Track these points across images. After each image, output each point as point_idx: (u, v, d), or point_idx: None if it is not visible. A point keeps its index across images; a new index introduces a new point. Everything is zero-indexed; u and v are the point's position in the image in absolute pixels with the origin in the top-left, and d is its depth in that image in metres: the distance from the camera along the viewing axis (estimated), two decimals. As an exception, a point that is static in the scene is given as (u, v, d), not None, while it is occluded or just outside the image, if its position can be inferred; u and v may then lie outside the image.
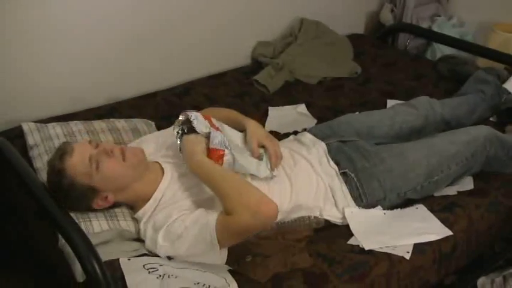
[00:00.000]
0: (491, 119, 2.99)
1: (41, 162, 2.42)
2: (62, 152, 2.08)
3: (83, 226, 2.02)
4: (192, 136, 2.16)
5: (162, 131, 2.57)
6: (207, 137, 2.17)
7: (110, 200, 2.13)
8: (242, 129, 2.42)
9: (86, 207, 2.13)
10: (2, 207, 2.61)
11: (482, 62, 3.67)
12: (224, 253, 2.03)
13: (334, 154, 2.44)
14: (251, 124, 2.42)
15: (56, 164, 2.07)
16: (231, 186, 2.03)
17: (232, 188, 2.02)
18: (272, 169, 2.31)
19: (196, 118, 2.20)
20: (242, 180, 2.11)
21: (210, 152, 2.14)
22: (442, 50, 3.97)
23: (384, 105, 3.10)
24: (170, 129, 2.31)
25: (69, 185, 2.05)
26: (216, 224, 1.97)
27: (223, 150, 2.16)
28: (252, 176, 2.27)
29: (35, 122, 2.66)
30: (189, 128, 2.19)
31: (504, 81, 3.04)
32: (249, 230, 2.00)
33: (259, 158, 2.33)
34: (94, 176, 2.06)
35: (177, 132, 2.21)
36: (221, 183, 2.05)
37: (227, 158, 2.16)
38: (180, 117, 2.23)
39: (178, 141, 2.19)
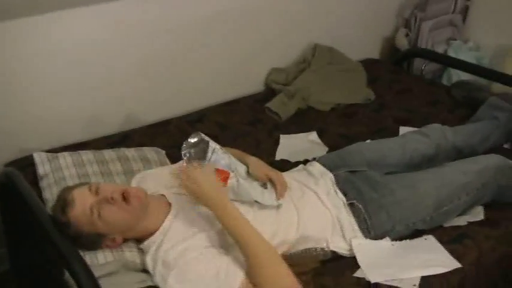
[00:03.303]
0: (505, 145, 2.97)
1: (49, 193, 2.44)
2: (63, 204, 2.08)
3: (87, 258, 2.03)
4: (203, 171, 2.10)
5: (169, 166, 2.62)
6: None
7: (117, 241, 2.14)
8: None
9: (96, 249, 2.14)
10: (14, 236, 2.64)
11: (497, 87, 3.64)
12: None
13: (342, 185, 2.43)
14: (253, 159, 2.45)
15: (59, 217, 2.08)
16: (266, 256, 1.98)
17: (267, 260, 1.97)
18: (278, 198, 2.31)
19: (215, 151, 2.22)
20: (275, 251, 2.03)
21: (216, 173, 2.15)
22: (458, 74, 3.95)
23: (398, 132, 3.09)
24: (177, 164, 2.33)
25: (76, 234, 2.06)
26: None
27: (229, 173, 2.17)
28: (259, 205, 2.27)
29: (48, 150, 2.68)
30: (196, 152, 2.20)
31: (519, 108, 3.00)
32: None
33: (265, 186, 2.34)
34: (97, 223, 2.06)
35: (184, 155, 2.22)
36: (256, 248, 1.99)
37: (232, 181, 2.18)
38: (190, 140, 2.24)
39: (185, 164, 2.18)
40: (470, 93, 3.40)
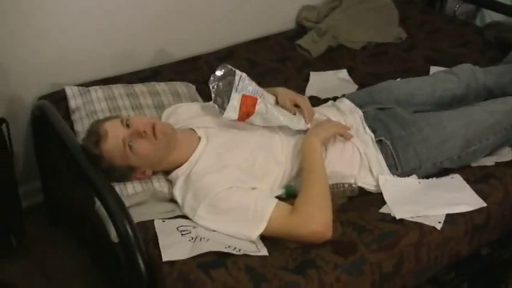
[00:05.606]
0: (536, 87, 2.93)
1: (81, 125, 2.48)
2: (96, 137, 2.10)
3: (117, 189, 2.06)
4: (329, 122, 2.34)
5: (199, 102, 2.64)
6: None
7: (147, 174, 2.19)
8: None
9: (125, 181, 2.19)
10: (46, 169, 2.70)
11: (531, 28, 3.58)
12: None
13: (371, 122, 2.44)
14: (280, 88, 2.46)
15: (92, 149, 2.10)
16: (324, 190, 2.07)
17: (320, 196, 2.04)
18: (306, 122, 2.33)
19: (242, 79, 2.23)
20: (329, 196, 2.08)
21: (243, 99, 2.17)
22: (491, 16, 3.88)
23: (427, 72, 3.06)
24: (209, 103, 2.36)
25: (108, 167, 2.10)
26: (272, 217, 1.98)
27: (257, 98, 2.19)
28: (286, 132, 2.32)
29: (80, 85, 2.71)
30: (224, 85, 2.22)
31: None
32: (301, 237, 1.98)
33: (293, 114, 2.36)
34: (130, 157, 2.09)
35: (212, 87, 2.24)
36: (320, 180, 2.10)
37: (260, 107, 2.19)
38: (217, 72, 2.25)
39: (213, 95, 2.24)
40: (503, 34, 3.35)
